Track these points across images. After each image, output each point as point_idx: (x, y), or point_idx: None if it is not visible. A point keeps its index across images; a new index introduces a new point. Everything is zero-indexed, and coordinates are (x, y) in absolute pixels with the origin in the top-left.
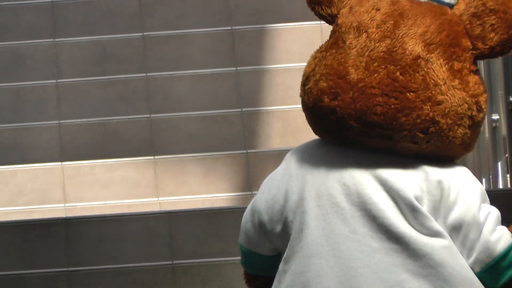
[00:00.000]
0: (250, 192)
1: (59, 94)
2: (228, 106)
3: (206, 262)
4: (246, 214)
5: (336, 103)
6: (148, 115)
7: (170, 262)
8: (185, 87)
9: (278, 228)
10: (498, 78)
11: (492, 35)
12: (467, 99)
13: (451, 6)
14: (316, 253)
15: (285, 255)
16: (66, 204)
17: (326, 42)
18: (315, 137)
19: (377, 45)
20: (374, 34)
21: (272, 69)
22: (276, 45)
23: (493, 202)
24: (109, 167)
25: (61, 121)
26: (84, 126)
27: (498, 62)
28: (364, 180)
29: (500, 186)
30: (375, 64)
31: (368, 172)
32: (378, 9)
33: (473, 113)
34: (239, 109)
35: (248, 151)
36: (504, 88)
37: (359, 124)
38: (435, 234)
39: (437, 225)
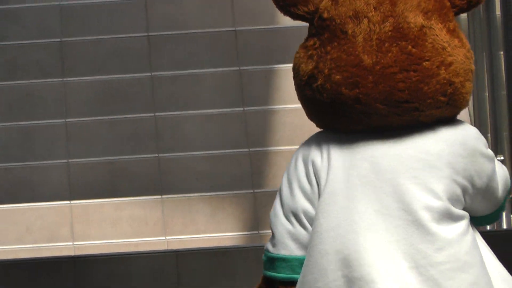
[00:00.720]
0: (257, 232)
1: (68, 133)
2: (236, 146)
3: None
4: (279, 222)
5: (358, 90)
6: (156, 154)
7: None
8: (193, 126)
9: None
10: (503, 117)
11: None
12: (467, 54)
13: None
14: (351, 231)
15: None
16: (75, 243)
17: (313, 39)
18: None
19: (382, 26)
20: (375, 17)
21: (279, 109)
22: (284, 85)
23: (497, 242)
24: (117, 206)
25: (69, 160)
26: (93, 164)
27: (504, 103)
28: (392, 156)
29: (504, 226)
30: (386, 44)
31: (394, 147)
32: None
33: (472, 66)
34: (247, 149)
35: (256, 190)
36: (509, 129)
37: (386, 105)
38: (461, 205)
39: (462, 200)
